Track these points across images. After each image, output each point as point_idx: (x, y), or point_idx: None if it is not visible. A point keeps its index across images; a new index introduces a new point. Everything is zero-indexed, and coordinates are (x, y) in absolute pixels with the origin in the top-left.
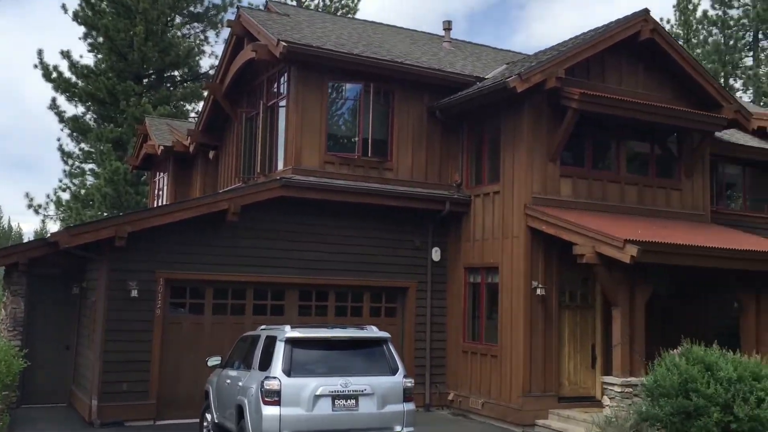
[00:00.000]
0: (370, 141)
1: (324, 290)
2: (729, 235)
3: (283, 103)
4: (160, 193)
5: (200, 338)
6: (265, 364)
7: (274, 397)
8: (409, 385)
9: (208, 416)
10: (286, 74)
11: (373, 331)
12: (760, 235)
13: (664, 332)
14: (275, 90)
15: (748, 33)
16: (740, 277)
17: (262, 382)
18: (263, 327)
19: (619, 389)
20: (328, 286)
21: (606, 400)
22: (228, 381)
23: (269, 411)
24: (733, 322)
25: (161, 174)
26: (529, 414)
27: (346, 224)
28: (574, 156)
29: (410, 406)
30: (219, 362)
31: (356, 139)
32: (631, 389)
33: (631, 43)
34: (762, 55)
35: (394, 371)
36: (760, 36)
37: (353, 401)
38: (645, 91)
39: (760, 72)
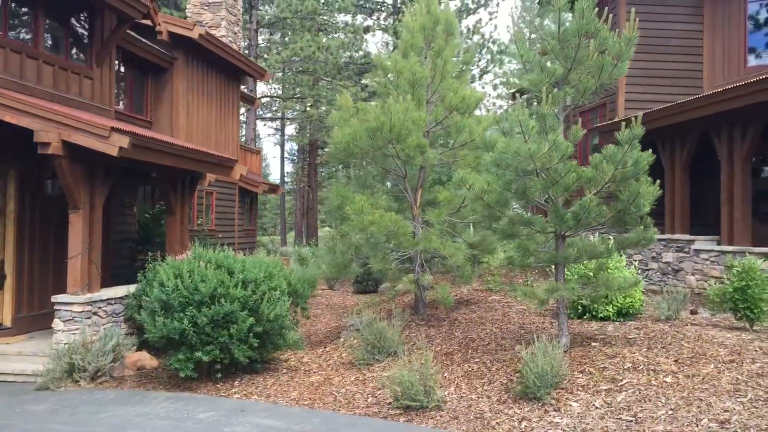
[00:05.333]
0: None
1: None
2: (159, 135)
3: None
4: None
5: None
6: None
7: None
8: None
9: None
10: None
11: None
12: None
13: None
14: None
15: None
16: (169, 176)
17: None
18: None
19: (80, 308)
20: None
21: (59, 324)
22: None
23: None
24: (127, 227)
25: None
26: None
27: None
28: None
29: None
30: None
31: None
32: (90, 307)
33: None
34: None
35: None
36: None
37: None
38: None
39: None
